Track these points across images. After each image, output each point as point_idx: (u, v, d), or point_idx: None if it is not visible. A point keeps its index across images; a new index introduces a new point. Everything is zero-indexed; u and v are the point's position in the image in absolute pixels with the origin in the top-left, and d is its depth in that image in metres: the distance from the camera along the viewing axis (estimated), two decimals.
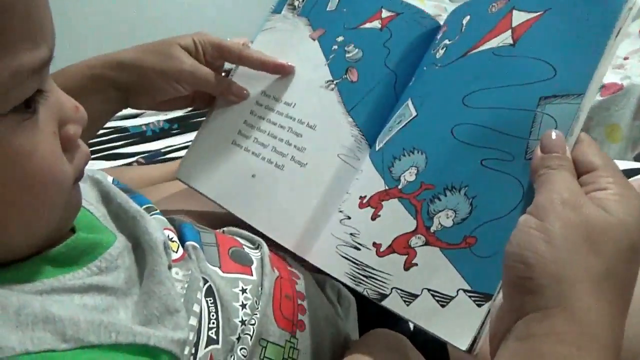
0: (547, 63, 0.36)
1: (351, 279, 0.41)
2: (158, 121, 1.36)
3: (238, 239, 0.49)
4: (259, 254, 0.47)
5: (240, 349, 0.39)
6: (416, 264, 0.37)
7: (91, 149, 1.21)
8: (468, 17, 0.46)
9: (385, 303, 0.38)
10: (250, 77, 0.57)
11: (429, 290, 0.36)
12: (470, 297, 0.34)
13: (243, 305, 0.41)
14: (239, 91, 0.57)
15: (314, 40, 0.56)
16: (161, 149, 1.20)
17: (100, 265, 0.33)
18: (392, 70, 0.53)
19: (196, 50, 0.55)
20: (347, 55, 0.54)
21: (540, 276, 0.28)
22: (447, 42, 0.47)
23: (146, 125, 1.37)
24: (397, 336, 0.45)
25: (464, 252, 0.35)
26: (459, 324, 0.34)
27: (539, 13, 0.39)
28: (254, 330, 0.40)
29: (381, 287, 0.39)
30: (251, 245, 0.48)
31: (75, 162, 0.32)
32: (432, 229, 0.37)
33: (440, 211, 0.38)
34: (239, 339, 0.39)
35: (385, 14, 0.55)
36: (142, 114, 1.50)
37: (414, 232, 0.38)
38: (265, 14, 0.61)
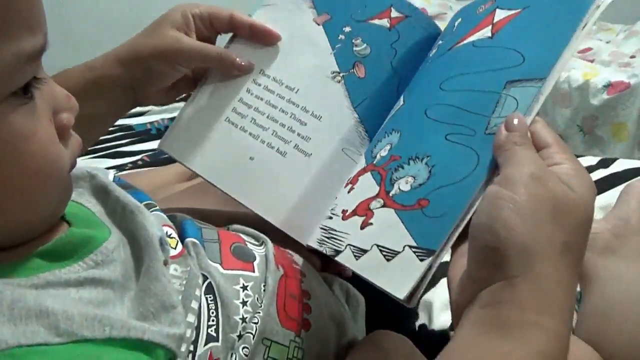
0: (518, 52, 0.40)
1: (318, 242, 0.44)
2: (163, 119, 1.36)
3: (242, 235, 0.48)
4: (263, 250, 0.46)
5: (242, 348, 0.39)
6: (372, 224, 0.40)
7: (96, 147, 1.21)
8: (460, 20, 0.50)
9: (338, 258, 0.40)
10: (245, 53, 0.54)
11: (378, 246, 0.38)
12: (414, 252, 0.36)
13: (244, 303, 0.40)
14: (243, 65, 0.53)
15: (318, 25, 0.55)
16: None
17: (96, 258, 0.33)
18: (397, 72, 0.53)
19: (187, 25, 0.52)
20: (354, 48, 0.54)
21: (508, 247, 0.29)
22: (440, 42, 0.51)
23: (151, 123, 1.37)
24: (400, 338, 0.45)
25: (416, 213, 0.38)
26: (400, 276, 0.36)
27: (518, 10, 0.43)
28: (256, 329, 0.40)
29: (338, 245, 0.41)
30: (255, 242, 0.48)
31: (69, 150, 0.33)
32: (392, 193, 0.40)
33: (401, 178, 0.41)
34: (240, 336, 0.39)
35: (394, 13, 0.55)
36: (147, 112, 1.50)
37: (376, 197, 0.41)
38: None
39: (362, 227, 0.40)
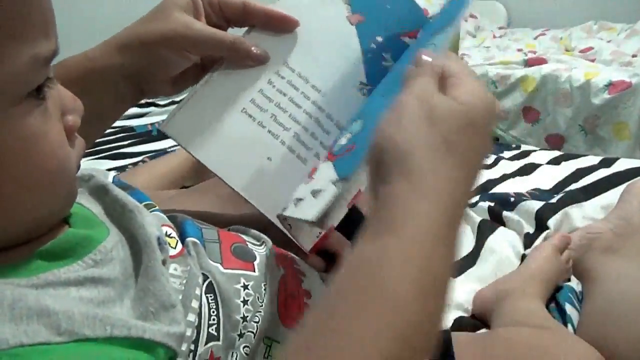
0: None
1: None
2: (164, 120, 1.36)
3: (242, 235, 0.48)
4: (264, 250, 0.47)
5: (243, 347, 0.39)
6: (313, 178, 0.42)
7: (97, 148, 1.22)
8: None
9: (285, 212, 0.41)
10: (265, 44, 0.48)
11: (312, 191, 0.41)
12: (334, 184, 0.39)
13: (244, 302, 0.40)
14: (258, 54, 0.47)
15: (351, 24, 0.50)
16: (167, 148, 1.20)
17: (95, 257, 0.33)
18: None
19: (196, 10, 0.47)
20: (383, 63, 0.50)
21: (387, 152, 0.31)
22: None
23: (152, 124, 1.37)
24: None
25: (345, 156, 0.41)
26: (317, 204, 0.39)
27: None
28: (257, 328, 0.40)
29: (287, 203, 0.42)
30: (256, 242, 0.48)
31: (75, 151, 0.34)
32: (334, 149, 0.43)
33: (342, 137, 0.43)
34: (241, 335, 0.39)
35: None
36: (148, 113, 1.50)
37: (324, 160, 0.43)
38: None
39: (305, 182, 0.42)
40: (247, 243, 0.47)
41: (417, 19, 0.51)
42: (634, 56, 2.04)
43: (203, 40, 0.46)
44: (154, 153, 1.17)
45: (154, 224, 0.39)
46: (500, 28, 2.93)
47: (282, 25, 0.49)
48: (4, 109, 0.28)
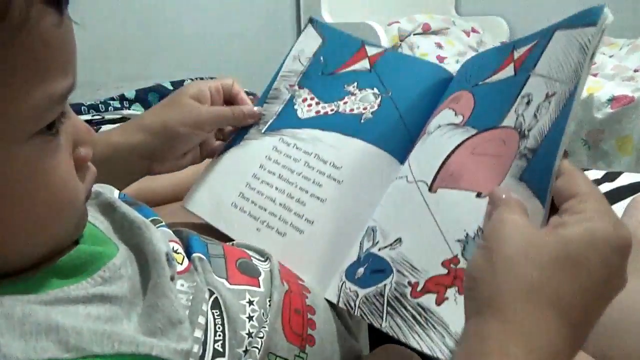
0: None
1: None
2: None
3: (247, 251, 0.48)
4: (268, 266, 0.47)
5: None
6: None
7: None
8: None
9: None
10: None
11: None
12: None
13: (250, 318, 0.40)
14: (252, 112, 0.59)
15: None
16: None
17: (104, 275, 0.33)
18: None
19: (203, 96, 0.58)
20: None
21: (478, 286, 0.31)
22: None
23: None
24: (408, 352, 0.45)
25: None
26: None
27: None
28: (262, 343, 0.40)
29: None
30: (260, 258, 0.48)
31: (86, 182, 0.35)
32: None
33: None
34: (246, 351, 0.39)
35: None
36: None
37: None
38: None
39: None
40: (252, 258, 0.47)
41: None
42: (636, 71, 2.04)
43: (213, 118, 0.57)
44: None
45: (162, 239, 0.39)
46: (502, 43, 2.94)
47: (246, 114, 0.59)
48: (15, 144, 0.28)
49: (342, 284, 0.47)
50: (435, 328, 0.39)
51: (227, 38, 2.18)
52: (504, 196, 0.36)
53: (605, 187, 0.98)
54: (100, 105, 1.44)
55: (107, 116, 1.38)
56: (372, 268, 0.46)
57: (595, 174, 1.08)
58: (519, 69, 0.45)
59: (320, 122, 0.57)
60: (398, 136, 0.53)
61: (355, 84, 0.58)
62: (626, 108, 1.79)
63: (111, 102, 1.47)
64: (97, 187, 0.43)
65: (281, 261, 0.49)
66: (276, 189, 0.54)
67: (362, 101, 0.56)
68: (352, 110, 0.56)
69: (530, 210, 0.36)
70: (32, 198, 0.30)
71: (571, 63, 0.39)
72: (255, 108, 0.60)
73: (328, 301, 0.48)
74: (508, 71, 0.46)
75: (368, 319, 0.43)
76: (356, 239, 0.49)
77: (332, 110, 0.57)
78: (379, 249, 0.46)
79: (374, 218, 0.49)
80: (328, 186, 0.52)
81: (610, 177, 1.04)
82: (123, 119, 1.35)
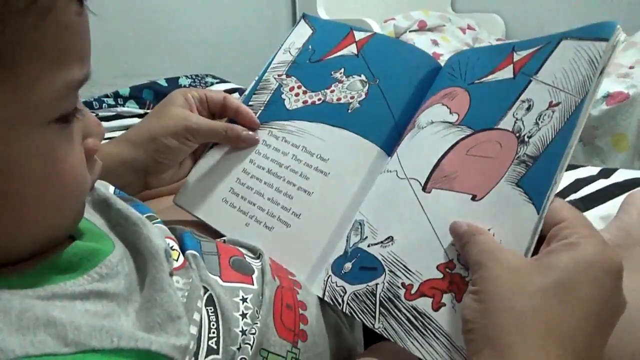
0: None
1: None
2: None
3: (239, 248, 0.48)
4: (260, 263, 0.46)
5: (240, 359, 0.39)
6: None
7: None
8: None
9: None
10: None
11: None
12: None
13: (243, 315, 0.40)
14: (249, 137, 0.56)
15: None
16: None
17: (101, 271, 0.33)
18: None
19: (190, 106, 0.56)
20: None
21: (474, 327, 0.32)
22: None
23: None
24: (404, 351, 0.45)
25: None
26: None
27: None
28: (254, 339, 0.39)
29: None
30: (252, 255, 0.48)
31: (92, 174, 0.35)
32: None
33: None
34: (239, 348, 0.39)
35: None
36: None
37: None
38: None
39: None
40: (245, 256, 0.47)
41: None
42: (631, 67, 2.05)
43: (201, 129, 0.54)
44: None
45: (160, 236, 0.39)
46: (498, 40, 2.94)
47: (245, 123, 0.57)
48: (34, 129, 0.29)
49: (328, 277, 0.46)
50: (436, 337, 0.38)
51: (223, 35, 2.17)
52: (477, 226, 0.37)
53: (600, 183, 0.98)
54: (94, 102, 1.43)
55: (101, 113, 1.37)
56: (361, 264, 0.45)
57: (590, 170, 1.08)
58: (518, 72, 0.44)
59: (308, 113, 0.56)
60: (385, 127, 0.53)
61: (342, 70, 0.57)
62: (621, 105, 1.80)
63: (105, 99, 1.47)
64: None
65: (270, 255, 0.48)
66: (265, 183, 0.54)
67: (350, 89, 0.56)
68: (339, 99, 0.55)
69: (522, 217, 0.36)
70: (43, 185, 0.30)
71: (579, 75, 0.39)
72: (256, 135, 0.57)
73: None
74: (506, 72, 0.45)
75: (359, 317, 0.43)
76: (343, 232, 0.48)
77: (319, 99, 0.56)
78: (369, 245, 0.45)
79: (361, 211, 0.48)
80: (315, 179, 0.52)
81: (605, 173, 1.04)
82: (117, 117, 1.34)
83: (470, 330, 0.32)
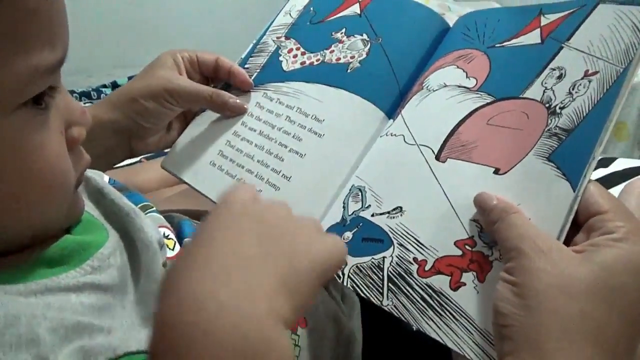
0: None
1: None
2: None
3: None
4: None
5: None
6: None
7: None
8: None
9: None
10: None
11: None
12: None
13: None
14: (235, 105, 0.53)
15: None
16: (164, 149, 1.19)
17: (93, 264, 0.33)
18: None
19: (177, 67, 0.53)
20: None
21: (510, 323, 0.29)
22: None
23: None
24: None
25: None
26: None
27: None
28: None
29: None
30: None
31: (77, 167, 0.33)
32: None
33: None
34: None
35: None
36: None
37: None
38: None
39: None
40: None
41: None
42: None
43: (184, 92, 0.51)
44: (151, 153, 1.17)
45: (153, 226, 0.38)
46: None
47: (238, 83, 0.54)
48: None
49: None
50: (455, 319, 0.35)
51: (222, 23, 2.16)
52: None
53: (600, 172, 0.98)
54: (92, 92, 1.43)
55: None
56: (364, 235, 0.42)
57: None
58: (547, 37, 0.41)
59: (305, 74, 0.53)
60: (387, 88, 0.50)
61: (344, 30, 0.54)
62: None
63: (103, 89, 1.46)
64: (87, 173, 0.42)
65: None
66: (255, 145, 0.51)
67: (350, 49, 0.53)
68: (338, 59, 0.52)
69: (556, 194, 0.34)
70: (18, 174, 0.29)
71: (621, 42, 0.36)
72: (245, 105, 0.53)
73: None
74: (532, 37, 0.42)
75: (364, 293, 0.39)
76: (337, 197, 0.45)
77: (318, 60, 0.54)
78: (372, 215, 0.42)
79: (360, 177, 0.45)
80: (308, 140, 0.49)
81: (604, 162, 1.04)
82: None
83: (507, 326, 0.29)
